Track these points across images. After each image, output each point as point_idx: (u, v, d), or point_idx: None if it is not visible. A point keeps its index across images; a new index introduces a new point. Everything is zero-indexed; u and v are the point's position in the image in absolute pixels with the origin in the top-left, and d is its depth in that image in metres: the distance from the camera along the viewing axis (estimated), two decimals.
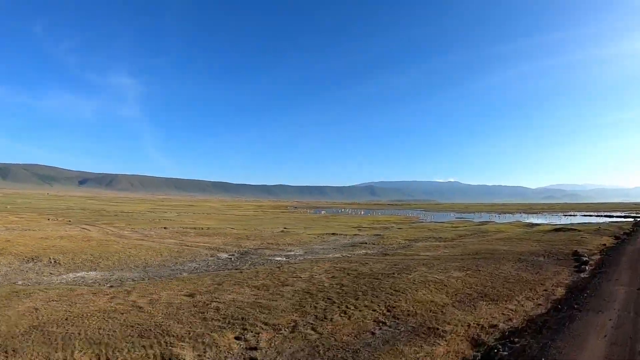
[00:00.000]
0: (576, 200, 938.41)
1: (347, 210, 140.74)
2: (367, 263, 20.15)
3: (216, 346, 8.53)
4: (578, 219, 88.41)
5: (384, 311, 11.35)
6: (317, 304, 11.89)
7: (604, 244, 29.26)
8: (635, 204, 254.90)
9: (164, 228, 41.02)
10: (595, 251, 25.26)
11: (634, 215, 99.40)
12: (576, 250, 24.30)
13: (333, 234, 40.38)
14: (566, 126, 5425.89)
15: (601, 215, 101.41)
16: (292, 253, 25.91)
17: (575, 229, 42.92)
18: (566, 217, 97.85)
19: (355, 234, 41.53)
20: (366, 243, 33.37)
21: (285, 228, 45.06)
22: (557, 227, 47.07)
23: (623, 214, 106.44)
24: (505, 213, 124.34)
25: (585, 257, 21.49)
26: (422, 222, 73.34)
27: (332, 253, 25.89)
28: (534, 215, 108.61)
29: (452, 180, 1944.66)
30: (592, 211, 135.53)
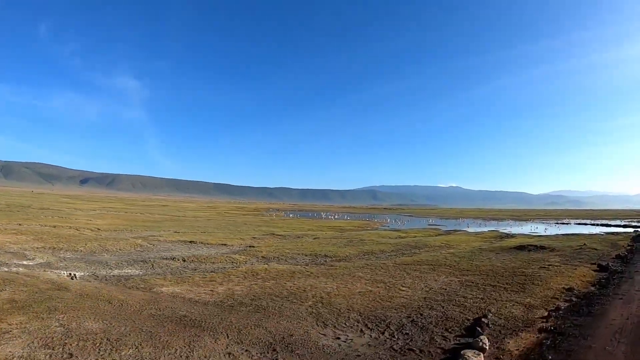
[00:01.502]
0: (578, 206, 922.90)
1: (324, 214, 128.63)
2: None
3: None
4: (570, 228, 75.02)
5: None
6: None
7: (569, 291, 15.64)
8: (638, 211, 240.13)
9: None
10: (529, 322, 11.33)
11: (635, 224, 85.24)
12: (480, 321, 10.53)
13: (192, 241, 32.59)
14: (569, 132, 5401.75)
15: (597, 224, 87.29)
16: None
17: (545, 248, 29.68)
18: (558, 225, 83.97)
19: (231, 245, 32.02)
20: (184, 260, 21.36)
21: (176, 232, 40.09)
22: (527, 243, 33.66)
23: (623, 223, 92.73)
24: (494, 220, 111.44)
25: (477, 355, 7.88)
26: (376, 229, 61.08)
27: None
28: (524, 223, 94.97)
29: (454, 185, 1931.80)
30: (590, 218, 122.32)
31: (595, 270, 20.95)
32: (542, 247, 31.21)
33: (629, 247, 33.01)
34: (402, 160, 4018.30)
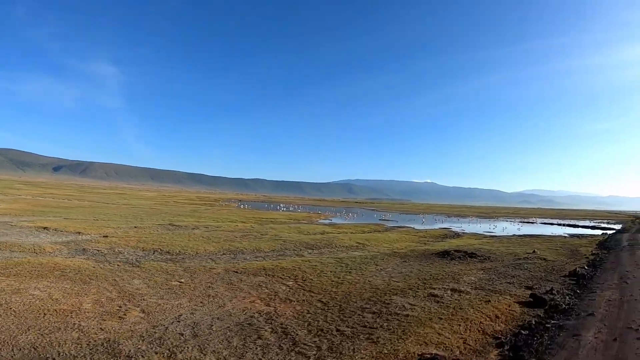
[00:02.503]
0: (550, 205, 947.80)
1: (283, 206, 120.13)
2: None
3: None
4: (533, 228, 68.81)
5: None
6: None
7: None
8: (609, 212, 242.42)
9: None
10: None
11: (605, 225, 79.93)
12: None
13: (45, 228, 29.18)
14: (544, 134, 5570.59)
15: (564, 225, 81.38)
16: None
17: (477, 256, 21.98)
18: (522, 224, 77.70)
19: (85, 234, 27.93)
20: None
21: (59, 218, 37.27)
22: (456, 249, 25.29)
23: (592, 224, 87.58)
24: (458, 216, 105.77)
25: None
26: (310, 223, 54.75)
27: None
28: (488, 220, 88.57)
29: (429, 181, 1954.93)
30: (559, 218, 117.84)
31: (523, 304, 12.64)
32: (473, 255, 22.91)
33: (592, 258, 25.10)
34: (379, 155, 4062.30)
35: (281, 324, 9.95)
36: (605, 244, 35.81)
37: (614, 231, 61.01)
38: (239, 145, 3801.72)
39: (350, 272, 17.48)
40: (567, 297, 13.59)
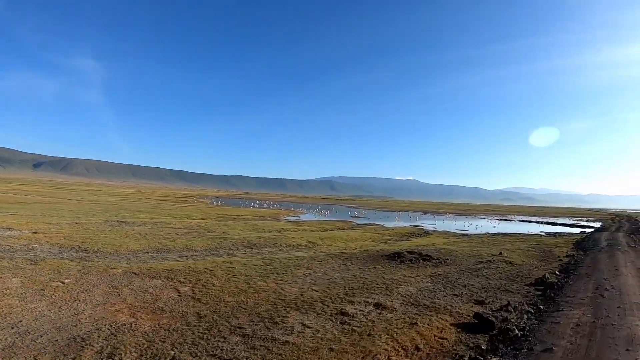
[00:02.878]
0: (531, 203, 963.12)
1: (258, 203, 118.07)
2: None
3: None
4: (509, 225, 66.70)
5: None
6: None
7: None
8: (589, 210, 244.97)
9: None
10: None
11: (584, 224, 78.39)
12: None
13: None
14: (526, 132, 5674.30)
15: (542, 222, 79.74)
16: None
17: (432, 258, 19.52)
18: (499, 222, 75.64)
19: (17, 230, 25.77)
20: None
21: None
22: (411, 250, 22.10)
23: (571, 222, 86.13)
24: (435, 214, 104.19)
25: None
26: (273, 220, 51.60)
27: None
28: (465, 218, 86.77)
29: (411, 178, 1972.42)
30: (538, 215, 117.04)
31: (463, 328, 9.47)
32: (427, 258, 19.73)
33: (566, 261, 22.14)
34: (361, 152, 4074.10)
35: (118, 342, 8.12)
36: (583, 243, 33.13)
37: (593, 229, 59.06)
38: (223, 142, 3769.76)
39: (268, 276, 14.73)
40: (525, 318, 10.32)
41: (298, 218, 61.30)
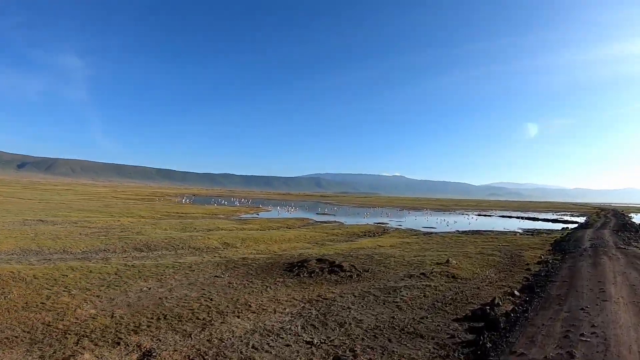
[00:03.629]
0: (517, 198, 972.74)
1: (224, 201, 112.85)
2: None
3: None
4: (487, 221, 62.26)
5: None
6: None
7: None
8: (574, 204, 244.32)
9: None
10: None
11: (568, 218, 74.28)
12: None
13: None
14: (510, 127, 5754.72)
15: (523, 217, 75.21)
16: None
17: (339, 272, 11.55)
18: (476, 218, 71.25)
19: None
20: None
21: None
22: (317, 257, 15.40)
23: (554, 216, 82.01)
24: (413, 209, 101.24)
25: None
26: (215, 218, 46.02)
27: None
28: (442, 213, 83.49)
29: (398, 174, 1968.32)
30: (521, 210, 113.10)
31: None
32: (337, 270, 14.50)
33: (535, 271, 16.78)
34: (348, 149, 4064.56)
35: None
36: (562, 244, 28.02)
37: (576, 225, 54.53)
38: (209, 140, 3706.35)
39: (90, 289, 12.35)
40: None
41: (252, 216, 56.02)
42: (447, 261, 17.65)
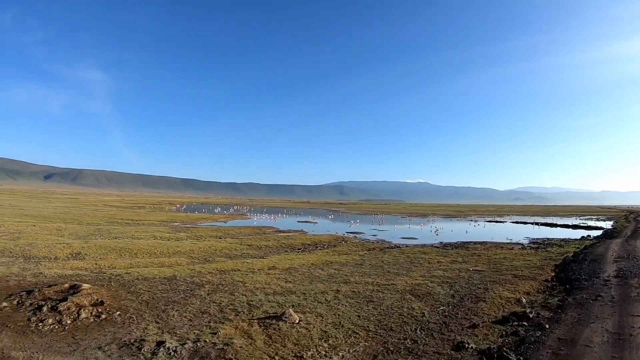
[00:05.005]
0: (542, 202, 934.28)
1: (232, 208, 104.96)
2: None
3: None
4: (496, 229, 51.63)
5: None
6: None
7: None
8: (600, 207, 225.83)
9: None
10: None
11: (592, 224, 62.27)
12: None
13: None
14: (537, 130, 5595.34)
15: (539, 224, 63.41)
16: None
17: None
18: (484, 225, 60.95)
19: None
20: None
21: None
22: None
23: (576, 222, 69.86)
24: (418, 216, 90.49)
25: None
26: (184, 224, 38.14)
27: None
28: (450, 220, 74.07)
29: (422, 181, 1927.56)
30: (543, 215, 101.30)
31: None
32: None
33: (520, 328, 6.42)
34: (371, 156, 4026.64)
35: None
36: (572, 267, 17.65)
37: (599, 233, 43.10)
38: (233, 150, 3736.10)
39: None
40: None
41: (211, 224, 47.73)
42: (282, 314, 7.93)
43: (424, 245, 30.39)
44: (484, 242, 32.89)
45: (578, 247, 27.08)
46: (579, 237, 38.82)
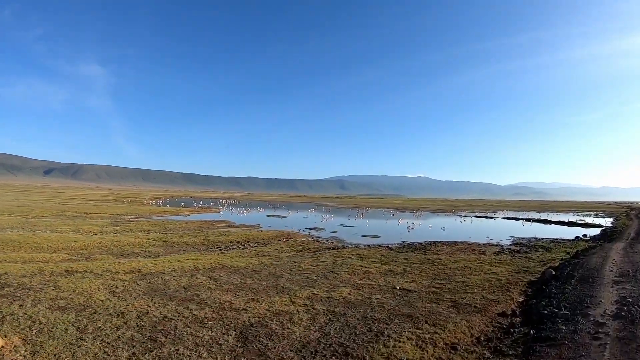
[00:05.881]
0: (542, 197, 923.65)
1: (197, 202, 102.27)
2: None
3: None
4: (484, 225, 45.59)
5: None
6: None
7: None
8: (600, 202, 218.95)
9: None
10: None
11: (589, 221, 56.08)
12: None
13: None
14: (537, 125, 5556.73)
15: (532, 220, 57.20)
16: None
17: None
18: (476, 219, 55.68)
19: None
20: None
21: None
22: None
23: (573, 217, 63.78)
24: (403, 211, 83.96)
25: None
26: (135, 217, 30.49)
27: None
28: (437, 215, 69.12)
29: (421, 175, 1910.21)
30: (539, 211, 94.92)
31: None
32: None
33: None
34: (372, 151, 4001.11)
35: None
36: (552, 291, 11.63)
37: (597, 232, 36.96)
38: (233, 144, 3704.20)
39: None
40: None
41: (162, 218, 42.01)
42: None
43: (379, 245, 24.39)
44: (455, 242, 26.89)
45: (568, 253, 20.99)
46: (572, 236, 32.72)
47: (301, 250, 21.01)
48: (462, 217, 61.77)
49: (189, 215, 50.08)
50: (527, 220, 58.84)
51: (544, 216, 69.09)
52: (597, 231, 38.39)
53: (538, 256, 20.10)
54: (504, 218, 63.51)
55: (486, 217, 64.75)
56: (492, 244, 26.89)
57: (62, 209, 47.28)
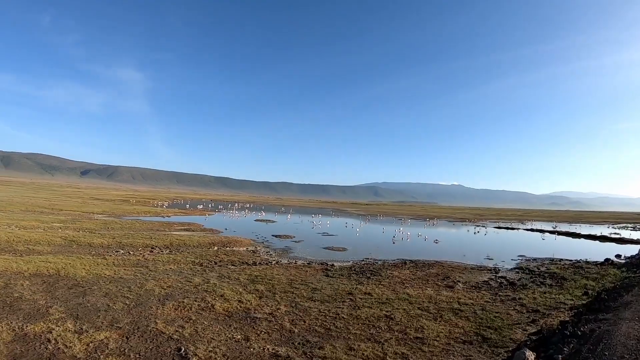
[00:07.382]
0: (578, 207, 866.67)
1: (203, 203, 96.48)
2: None
3: None
4: (499, 237, 37.17)
5: None
6: None
7: None
8: (638, 214, 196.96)
9: None
10: None
11: (626, 235, 45.84)
12: None
13: None
14: (574, 134, 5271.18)
15: (560, 233, 47.50)
16: None
17: None
18: (500, 230, 47.81)
19: None
20: None
21: None
22: None
23: (608, 230, 53.43)
24: (422, 219, 75.29)
25: None
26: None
27: None
28: (457, 225, 60.44)
29: (455, 183, 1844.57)
30: (570, 221, 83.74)
31: None
32: None
33: None
34: (405, 158, 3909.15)
35: None
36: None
37: (636, 250, 27.72)
38: (267, 149, 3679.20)
39: None
40: None
41: (132, 218, 36.52)
42: None
43: (324, 263, 17.13)
44: (433, 263, 19.20)
45: (587, 293, 12.86)
46: (602, 258, 23.80)
47: (201, 265, 14.36)
48: (479, 228, 52.59)
49: (171, 216, 44.49)
50: (553, 232, 49.03)
51: (573, 228, 58.57)
52: (634, 249, 29.05)
53: (535, 298, 12.19)
54: (527, 229, 53.82)
55: (507, 228, 55.27)
56: (484, 269, 18.91)
57: (43, 205, 44.29)
